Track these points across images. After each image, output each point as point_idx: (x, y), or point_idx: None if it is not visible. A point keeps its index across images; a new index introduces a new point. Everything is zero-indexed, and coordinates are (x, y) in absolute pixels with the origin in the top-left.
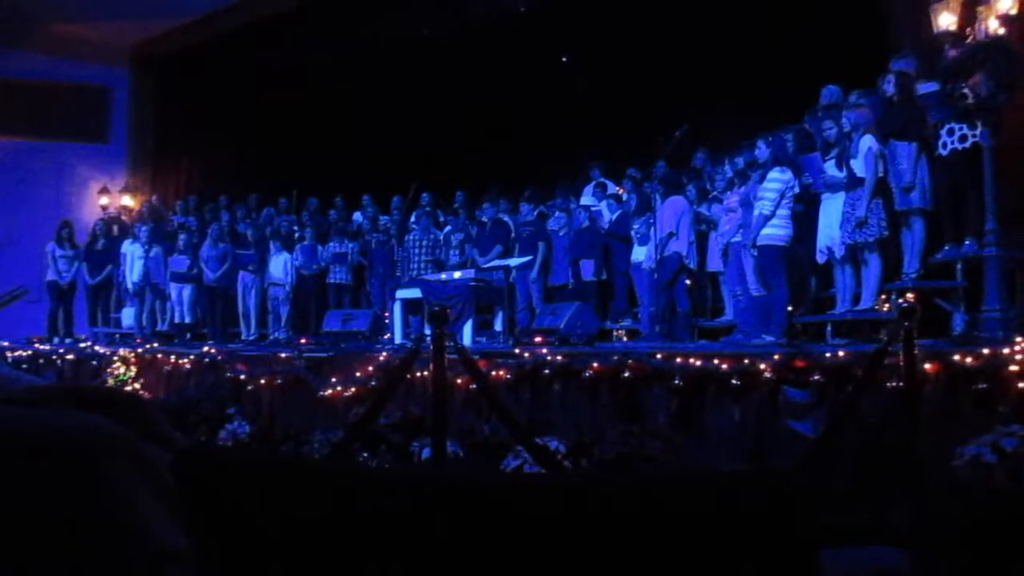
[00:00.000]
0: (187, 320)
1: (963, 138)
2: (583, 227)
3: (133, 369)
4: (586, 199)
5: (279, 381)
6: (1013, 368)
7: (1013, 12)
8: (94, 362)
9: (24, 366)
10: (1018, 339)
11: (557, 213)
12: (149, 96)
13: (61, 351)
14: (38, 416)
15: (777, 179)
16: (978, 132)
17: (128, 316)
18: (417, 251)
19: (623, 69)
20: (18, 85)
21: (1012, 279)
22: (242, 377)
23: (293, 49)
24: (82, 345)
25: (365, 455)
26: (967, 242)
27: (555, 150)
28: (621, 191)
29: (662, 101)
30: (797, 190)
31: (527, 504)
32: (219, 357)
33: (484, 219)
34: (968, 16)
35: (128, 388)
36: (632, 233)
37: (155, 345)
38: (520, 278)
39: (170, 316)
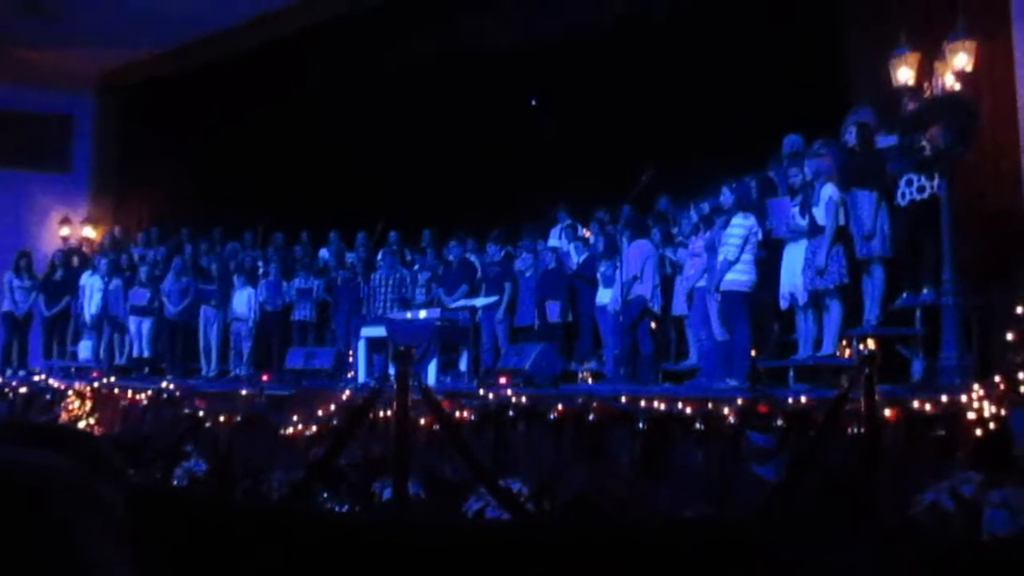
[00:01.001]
0: (146, 354)
1: (921, 189)
2: (550, 268)
3: (88, 403)
4: (553, 241)
5: (239, 418)
6: (971, 415)
7: (968, 69)
8: (48, 396)
9: None
10: (975, 386)
11: (524, 254)
12: (114, 126)
13: (14, 384)
14: None
15: (740, 224)
16: (935, 183)
17: (85, 349)
18: (383, 289)
19: (591, 113)
20: None
21: (969, 327)
22: (200, 413)
23: (260, 83)
24: (36, 378)
25: (325, 495)
26: (925, 290)
27: (523, 191)
28: (587, 233)
29: (629, 145)
30: (760, 236)
31: (489, 552)
32: (177, 393)
33: (451, 258)
34: (925, 71)
35: (82, 423)
36: (598, 275)
37: (112, 379)
38: (486, 318)
39: (128, 350)
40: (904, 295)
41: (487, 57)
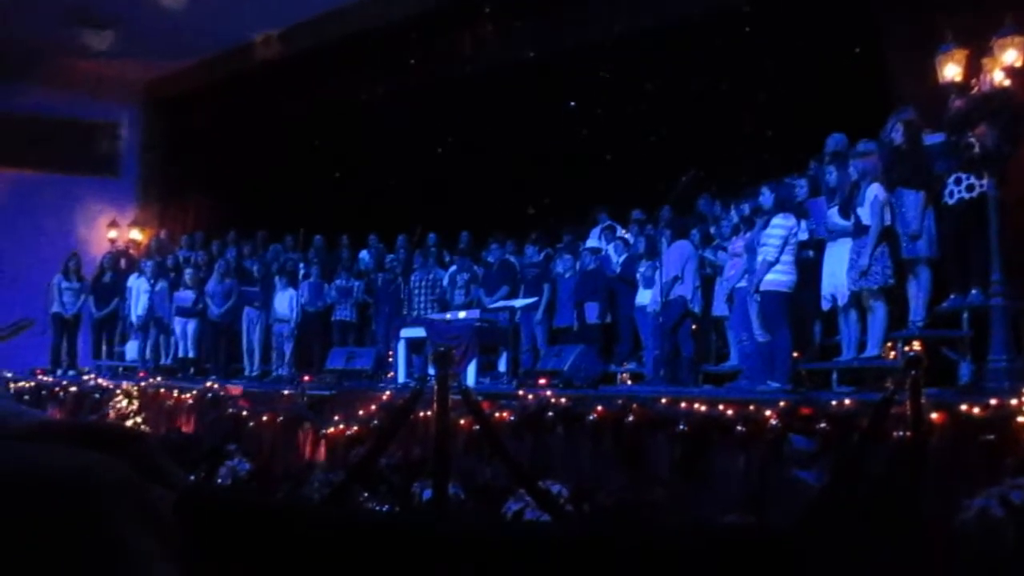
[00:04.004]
0: (190, 355)
1: (970, 188)
2: (589, 269)
3: (135, 403)
4: (592, 242)
5: (280, 419)
6: (1021, 419)
7: (1018, 64)
8: (96, 395)
9: (26, 397)
10: None
11: (564, 255)
12: (159, 133)
13: (64, 383)
14: (42, 455)
15: (781, 225)
16: (985, 182)
17: (132, 350)
18: (420, 290)
19: (631, 114)
20: (31, 119)
21: (1018, 329)
22: (244, 414)
23: (303, 89)
24: (85, 378)
25: (365, 495)
26: (973, 291)
27: (562, 192)
28: (627, 234)
29: (669, 147)
30: (803, 236)
31: (528, 556)
32: (221, 393)
33: (491, 260)
34: (973, 67)
35: (130, 422)
36: (637, 276)
37: (158, 379)
38: (525, 319)
39: (173, 351)
40: (951, 296)
41: (527, 60)
